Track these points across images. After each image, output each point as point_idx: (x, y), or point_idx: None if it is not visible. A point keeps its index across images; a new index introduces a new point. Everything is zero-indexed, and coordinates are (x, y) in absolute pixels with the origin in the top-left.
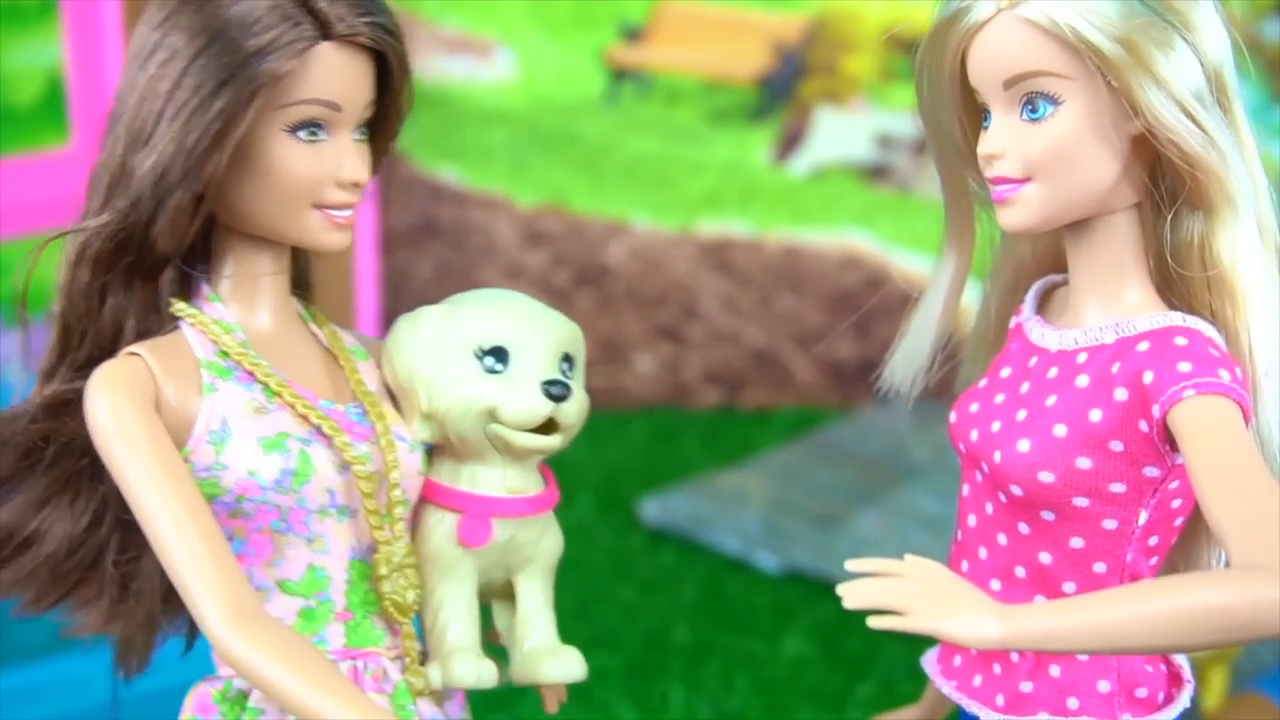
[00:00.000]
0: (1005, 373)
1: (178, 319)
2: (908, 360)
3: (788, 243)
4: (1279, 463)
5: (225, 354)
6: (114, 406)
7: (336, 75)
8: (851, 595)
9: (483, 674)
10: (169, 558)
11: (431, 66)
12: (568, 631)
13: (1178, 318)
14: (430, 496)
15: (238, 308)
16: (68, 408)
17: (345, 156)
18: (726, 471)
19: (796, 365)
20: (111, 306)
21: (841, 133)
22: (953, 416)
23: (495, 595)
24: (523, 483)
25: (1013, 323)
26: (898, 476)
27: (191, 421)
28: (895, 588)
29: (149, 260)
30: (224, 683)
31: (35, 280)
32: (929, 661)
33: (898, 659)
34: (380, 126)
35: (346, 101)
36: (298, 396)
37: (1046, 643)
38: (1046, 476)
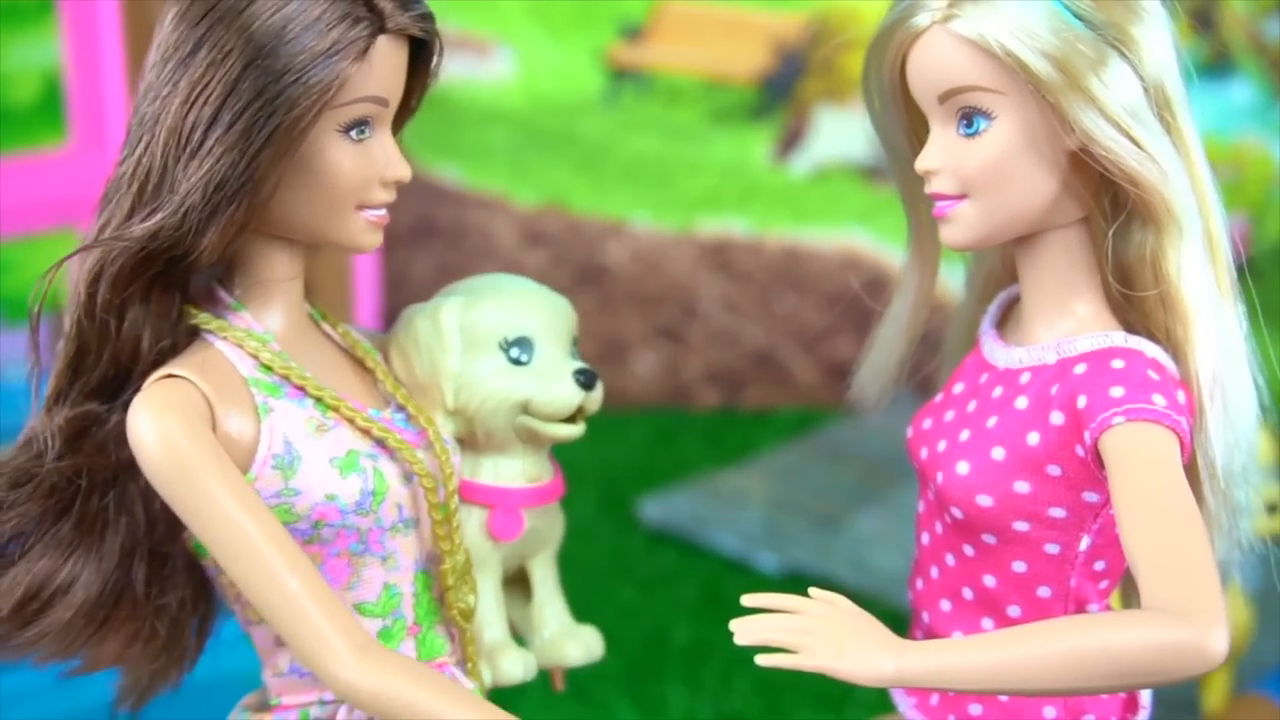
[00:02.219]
0: (958, 388)
1: (200, 331)
2: (875, 373)
3: (788, 243)
4: (1224, 486)
5: (268, 368)
6: (171, 438)
7: (386, 70)
8: (743, 631)
9: (528, 666)
10: (266, 599)
11: None
12: None
13: (1119, 338)
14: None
15: (258, 315)
16: (85, 436)
17: (389, 154)
18: (726, 471)
19: (796, 365)
20: (130, 322)
21: (842, 132)
22: (909, 431)
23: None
24: (539, 471)
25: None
26: (898, 476)
27: (252, 447)
28: (788, 625)
29: (176, 272)
30: (298, 712)
31: (17, 283)
32: None
33: None
34: (396, 114)
35: (393, 95)
36: (355, 411)
37: (940, 681)
38: (984, 500)
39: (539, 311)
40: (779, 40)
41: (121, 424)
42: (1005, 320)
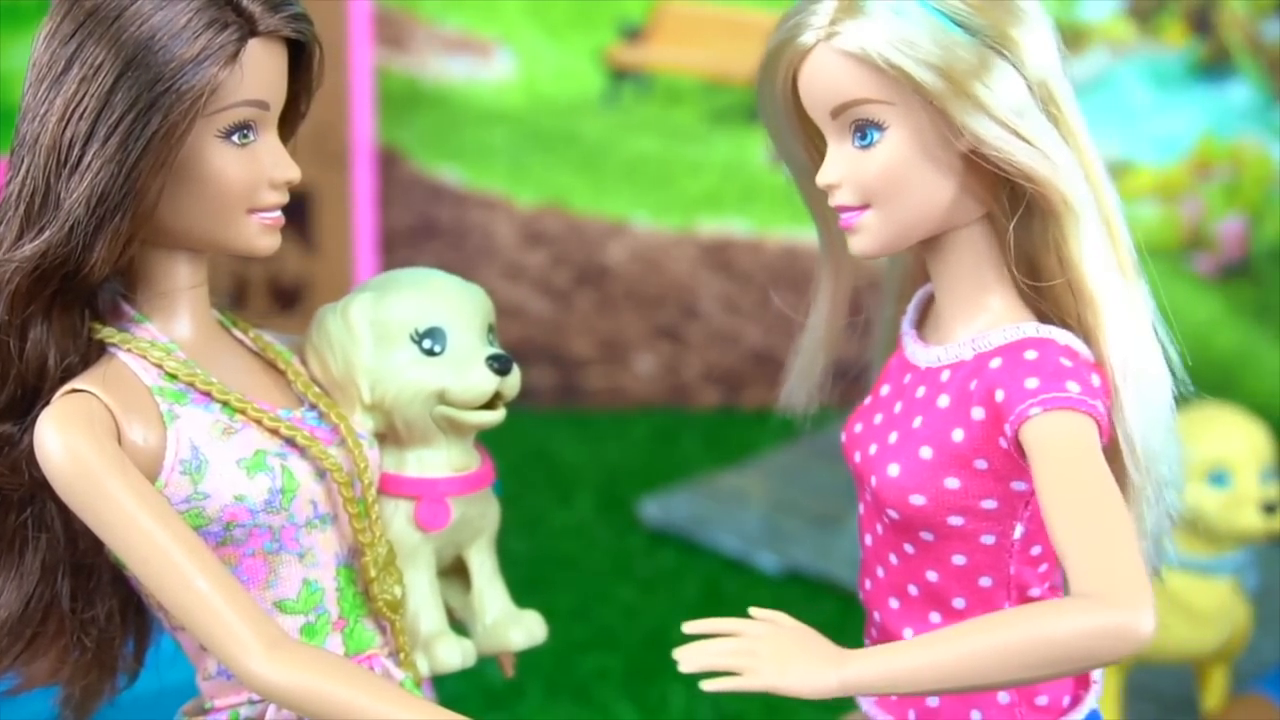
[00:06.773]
0: (884, 390)
1: (105, 345)
2: (802, 380)
3: (788, 243)
4: (1145, 464)
5: (173, 376)
6: (76, 450)
7: (263, 73)
8: (686, 659)
9: (466, 654)
10: (178, 602)
11: (431, 66)
12: (567, 631)
13: (1030, 329)
14: (382, 487)
15: (164, 326)
16: None
17: (276, 156)
18: (726, 471)
19: None
20: (33, 342)
21: None
22: (843, 435)
23: (441, 573)
24: (466, 460)
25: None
26: None
27: (159, 455)
28: (729, 648)
29: (74, 288)
30: (229, 714)
31: None
32: None
33: None
34: (285, 118)
35: (273, 98)
36: (262, 411)
37: (884, 687)
38: (918, 499)
39: (449, 301)
40: None
41: (34, 443)
42: (924, 320)
